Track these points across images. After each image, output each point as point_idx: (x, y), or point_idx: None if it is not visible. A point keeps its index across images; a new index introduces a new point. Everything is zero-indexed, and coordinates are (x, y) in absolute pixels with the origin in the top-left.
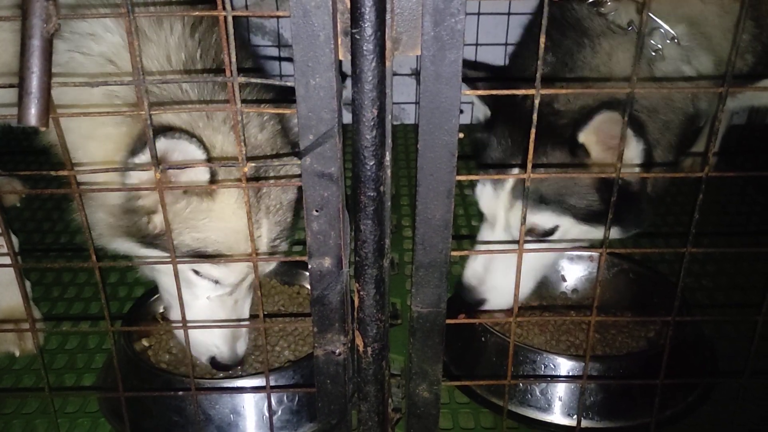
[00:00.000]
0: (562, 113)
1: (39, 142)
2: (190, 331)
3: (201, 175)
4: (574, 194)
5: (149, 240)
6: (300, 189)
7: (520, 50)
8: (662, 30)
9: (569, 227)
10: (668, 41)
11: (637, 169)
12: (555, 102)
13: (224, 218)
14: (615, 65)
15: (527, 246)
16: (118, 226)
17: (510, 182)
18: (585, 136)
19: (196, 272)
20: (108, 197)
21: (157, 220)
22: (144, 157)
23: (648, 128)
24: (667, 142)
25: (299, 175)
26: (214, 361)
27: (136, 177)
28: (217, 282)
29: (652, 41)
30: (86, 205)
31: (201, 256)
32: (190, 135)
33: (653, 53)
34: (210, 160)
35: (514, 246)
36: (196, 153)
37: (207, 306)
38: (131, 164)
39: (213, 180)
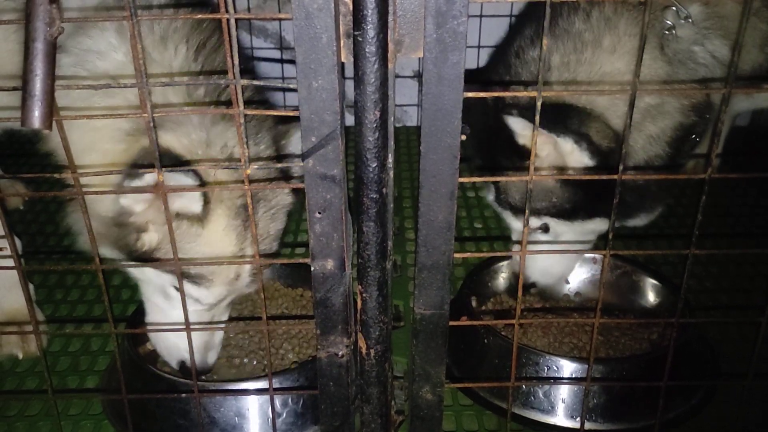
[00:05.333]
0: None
1: (39, 149)
2: (166, 335)
3: (193, 204)
4: (538, 198)
5: (135, 255)
6: (288, 216)
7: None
8: (674, 8)
9: (555, 224)
10: (682, 21)
11: (585, 163)
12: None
13: (211, 244)
14: (613, 31)
15: (534, 247)
16: (106, 236)
17: (491, 193)
18: (523, 139)
19: (176, 288)
20: (100, 207)
21: (146, 238)
22: (139, 181)
23: (591, 119)
24: (659, 129)
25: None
26: (183, 367)
27: (131, 196)
28: (196, 300)
29: (665, 20)
30: (78, 209)
31: (183, 275)
32: (186, 167)
33: (666, 32)
34: (204, 185)
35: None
36: (189, 182)
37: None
38: (127, 186)
39: (205, 206)
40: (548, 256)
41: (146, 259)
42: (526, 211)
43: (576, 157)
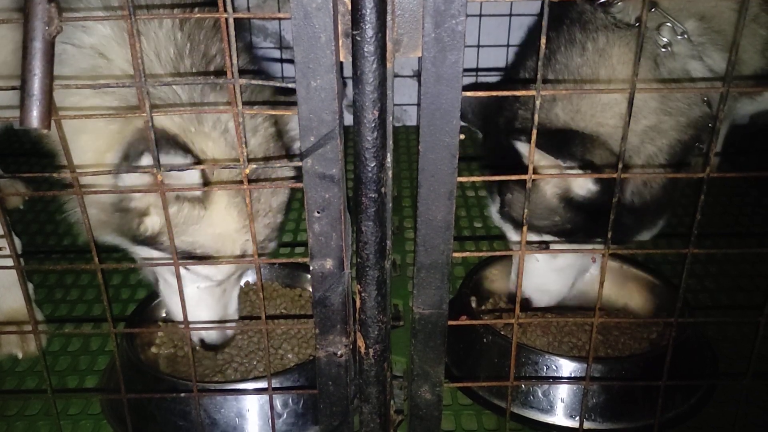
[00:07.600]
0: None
1: (43, 148)
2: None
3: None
4: (541, 216)
5: (140, 240)
6: (291, 191)
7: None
8: (669, 24)
9: (558, 241)
10: (678, 37)
11: (589, 188)
12: (516, 120)
13: (213, 224)
14: (607, 62)
15: (530, 265)
16: (109, 223)
17: (495, 205)
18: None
19: (185, 267)
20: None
21: (149, 222)
22: (139, 163)
23: (596, 145)
24: (656, 148)
25: (293, 177)
26: (203, 343)
27: (129, 180)
28: (206, 276)
29: (661, 37)
30: (78, 200)
31: (188, 256)
32: (177, 146)
33: (663, 49)
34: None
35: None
36: (184, 162)
37: (196, 295)
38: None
39: (206, 185)
40: (544, 274)
41: (150, 243)
42: (525, 211)
43: (580, 182)
